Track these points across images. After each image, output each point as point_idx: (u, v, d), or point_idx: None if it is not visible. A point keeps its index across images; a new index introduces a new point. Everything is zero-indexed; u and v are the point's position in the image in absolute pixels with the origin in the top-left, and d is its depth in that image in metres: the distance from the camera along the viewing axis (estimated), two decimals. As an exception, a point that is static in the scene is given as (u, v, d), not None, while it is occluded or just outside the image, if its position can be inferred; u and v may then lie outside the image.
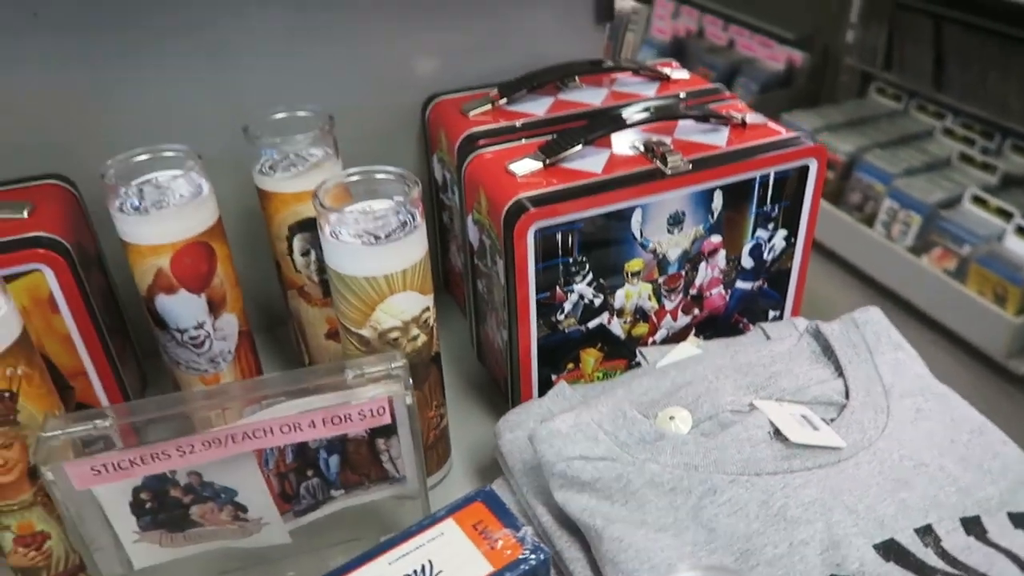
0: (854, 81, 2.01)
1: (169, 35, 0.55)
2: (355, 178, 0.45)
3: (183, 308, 0.49)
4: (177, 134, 0.50)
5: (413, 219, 0.44)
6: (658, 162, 0.51)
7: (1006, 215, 1.53)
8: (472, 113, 0.59)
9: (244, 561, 0.45)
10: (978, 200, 1.59)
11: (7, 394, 0.39)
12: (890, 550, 0.39)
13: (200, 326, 0.50)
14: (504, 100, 0.60)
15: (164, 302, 0.49)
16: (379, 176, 0.45)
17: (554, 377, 0.54)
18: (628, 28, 0.71)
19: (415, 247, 0.44)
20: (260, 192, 0.53)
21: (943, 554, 0.40)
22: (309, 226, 0.53)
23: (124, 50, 0.54)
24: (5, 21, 0.51)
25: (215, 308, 0.50)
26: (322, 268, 0.55)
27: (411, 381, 0.40)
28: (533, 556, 0.38)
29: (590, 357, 0.55)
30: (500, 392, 0.59)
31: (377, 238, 0.43)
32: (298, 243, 0.54)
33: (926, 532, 0.41)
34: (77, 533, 0.38)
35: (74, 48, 0.53)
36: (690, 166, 0.50)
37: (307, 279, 0.55)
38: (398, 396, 0.39)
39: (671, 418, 0.45)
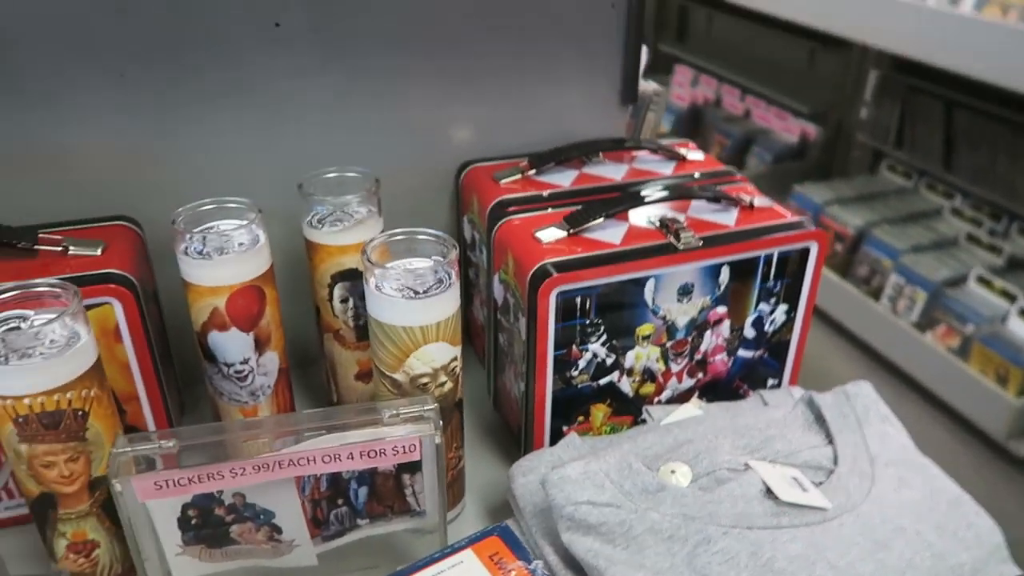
0: (866, 157, 2.09)
1: (231, 94, 0.62)
2: (399, 238, 0.51)
3: (232, 344, 0.54)
4: (234, 185, 0.56)
5: (449, 278, 0.50)
6: (672, 237, 0.56)
7: (1010, 297, 1.58)
8: (503, 181, 0.65)
9: (272, 581, 0.50)
10: (983, 281, 1.64)
11: (80, 413, 0.45)
12: (866, 605, 0.44)
13: (245, 361, 0.55)
14: (533, 171, 0.66)
15: (216, 338, 0.54)
16: (420, 237, 0.51)
17: (565, 428, 0.59)
18: (649, 108, 0.78)
19: (449, 303, 0.50)
20: (307, 243, 0.59)
21: (916, 613, 0.44)
22: (349, 276, 0.59)
23: (188, 106, 0.61)
24: (95, 80, 0.58)
25: (260, 346, 0.56)
26: (358, 315, 0.60)
27: (440, 423, 0.45)
28: (541, 589, 0.42)
29: (599, 412, 0.60)
30: (513, 439, 0.63)
31: (416, 293, 0.49)
32: (338, 291, 0.59)
33: (901, 591, 0.45)
34: (134, 542, 0.43)
35: (144, 104, 0.60)
36: (701, 243, 0.56)
37: (343, 324, 0.61)
38: (428, 436, 0.44)
39: (672, 472, 0.50)
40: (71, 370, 0.44)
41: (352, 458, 0.44)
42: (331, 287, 0.59)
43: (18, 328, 0.44)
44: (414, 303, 0.49)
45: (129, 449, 0.42)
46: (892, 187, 2.00)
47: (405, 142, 0.68)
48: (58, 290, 0.45)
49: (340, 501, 0.48)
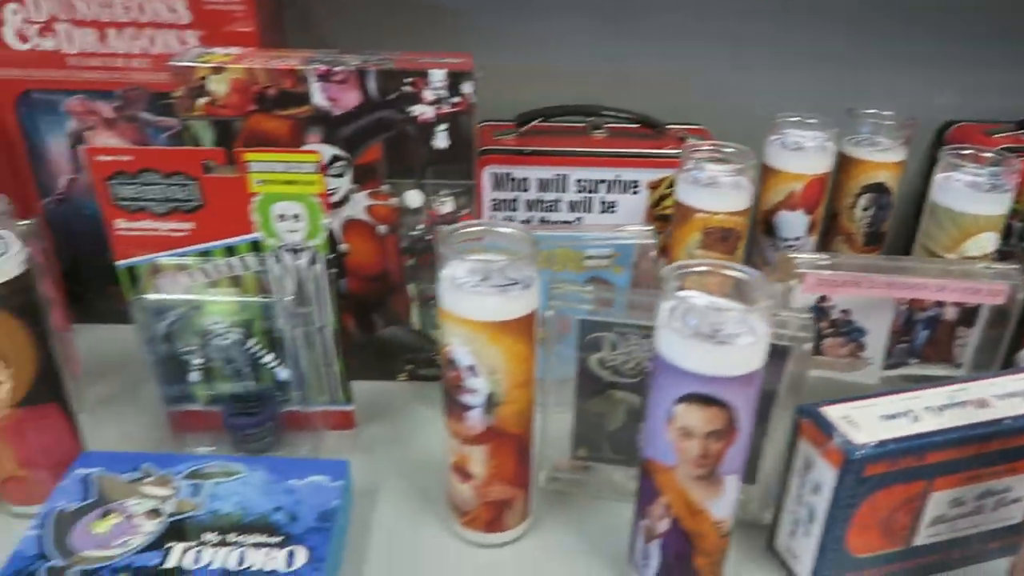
0: None
1: (782, 48, 0.82)
2: (968, 151, 0.67)
3: (795, 222, 0.73)
4: (777, 107, 0.75)
5: (1002, 183, 0.65)
6: None
7: None
8: (995, 136, 0.80)
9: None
10: None
11: (736, 234, 0.64)
12: None
13: (797, 239, 0.74)
14: (1021, 130, 0.80)
15: (783, 216, 0.73)
16: (985, 154, 0.67)
17: None
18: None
19: (1006, 201, 0.65)
20: (845, 157, 0.76)
21: None
22: (876, 189, 0.76)
23: (751, 49, 0.82)
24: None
25: (810, 228, 0.74)
26: (873, 222, 0.77)
27: (1024, 280, 0.60)
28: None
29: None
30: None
31: (982, 189, 0.65)
32: (864, 200, 0.76)
33: None
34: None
35: (724, 48, 0.82)
36: None
37: (858, 228, 0.78)
38: (1016, 285, 0.59)
39: None
40: (740, 204, 0.64)
41: (955, 291, 0.60)
42: (858, 196, 0.77)
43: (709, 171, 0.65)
44: (980, 195, 0.65)
45: (796, 256, 0.61)
46: None
47: (897, 99, 0.85)
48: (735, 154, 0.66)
49: (905, 339, 0.65)
